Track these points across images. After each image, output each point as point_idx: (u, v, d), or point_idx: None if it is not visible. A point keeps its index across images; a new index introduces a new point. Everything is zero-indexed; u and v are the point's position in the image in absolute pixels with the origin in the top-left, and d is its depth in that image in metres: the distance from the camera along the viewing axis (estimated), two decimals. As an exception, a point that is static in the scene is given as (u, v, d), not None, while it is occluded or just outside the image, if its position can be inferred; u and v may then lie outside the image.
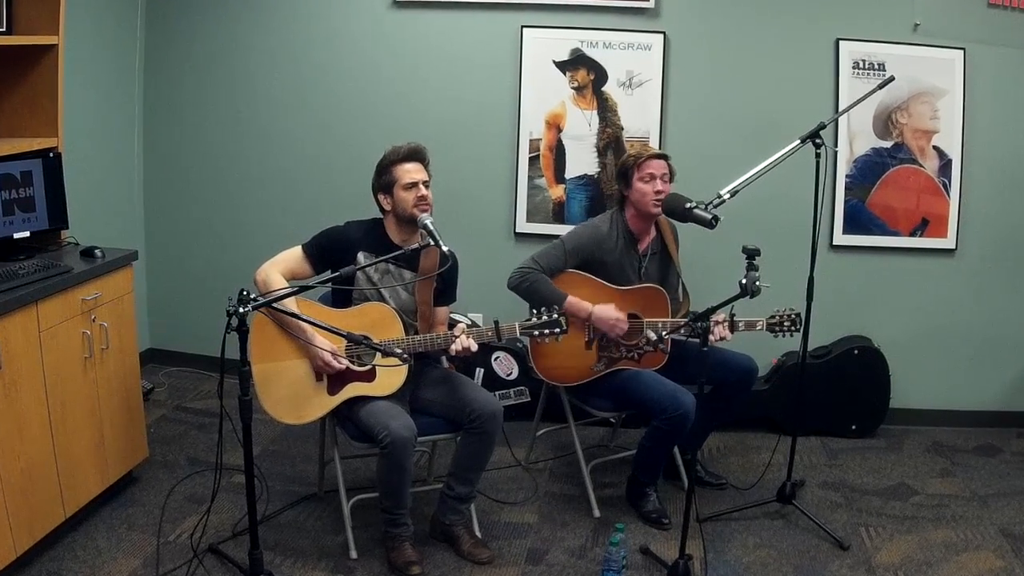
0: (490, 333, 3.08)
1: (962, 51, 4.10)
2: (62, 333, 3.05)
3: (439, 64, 4.40)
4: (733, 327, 3.34)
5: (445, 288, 3.28)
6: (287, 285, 3.03)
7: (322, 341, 2.99)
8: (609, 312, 3.34)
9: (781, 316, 3.37)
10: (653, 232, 3.55)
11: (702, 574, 3.11)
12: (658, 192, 3.36)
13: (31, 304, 2.89)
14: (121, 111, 4.59)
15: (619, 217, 3.49)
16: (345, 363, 3.03)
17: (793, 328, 3.36)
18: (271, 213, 4.62)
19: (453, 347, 3.05)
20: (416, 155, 3.16)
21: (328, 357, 3.00)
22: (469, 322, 3.66)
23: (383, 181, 3.15)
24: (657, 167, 3.38)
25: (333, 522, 3.38)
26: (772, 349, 4.22)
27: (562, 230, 3.80)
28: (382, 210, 3.19)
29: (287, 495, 3.59)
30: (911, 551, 3.27)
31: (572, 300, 3.33)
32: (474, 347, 3.06)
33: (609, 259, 3.43)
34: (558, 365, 3.43)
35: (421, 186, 3.11)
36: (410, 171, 3.12)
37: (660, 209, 3.34)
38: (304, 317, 2.83)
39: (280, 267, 3.09)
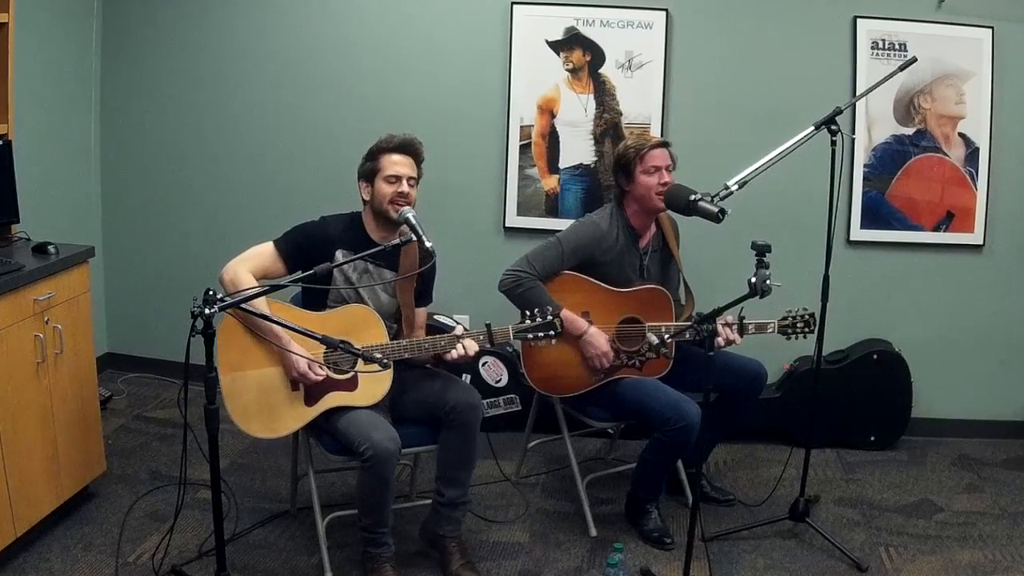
0: (482, 337, 3.08)
1: (990, 30, 4.12)
2: (12, 336, 3.05)
3: (422, 45, 4.40)
4: (743, 330, 3.35)
5: (424, 288, 3.30)
6: (258, 285, 3.01)
7: (299, 348, 2.99)
8: (601, 343, 3.36)
9: (794, 317, 3.38)
10: (653, 228, 3.56)
11: (707, 597, 3.14)
12: (663, 184, 3.37)
13: (-22, 305, 2.90)
14: (77, 96, 4.59)
15: (619, 213, 3.49)
16: (324, 373, 3.02)
17: (807, 329, 3.38)
18: (240, 207, 4.63)
19: (452, 353, 3.04)
20: (407, 148, 3.17)
21: (304, 367, 2.97)
22: (456, 324, 3.67)
23: (367, 168, 3.17)
24: (661, 158, 3.39)
25: (307, 541, 3.39)
26: (784, 354, 4.24)
27: (555, 224, 3.82)
28: (363, 200, 3.21)
29: (257, 512, 3.60)
30: (935, 573, 3.29)
31: (568, 315, 3.31)
32: (472, 351, 3.06)
33: (609, 258, 3.43)
34: (553, 375, 3.44)
35: (404, 182, 3.11)
36: (396, 163, 3.13)
37: (664, 203, 3.35)
38: (277, 319, 2.80)
39: (250, 265, 3.07)
